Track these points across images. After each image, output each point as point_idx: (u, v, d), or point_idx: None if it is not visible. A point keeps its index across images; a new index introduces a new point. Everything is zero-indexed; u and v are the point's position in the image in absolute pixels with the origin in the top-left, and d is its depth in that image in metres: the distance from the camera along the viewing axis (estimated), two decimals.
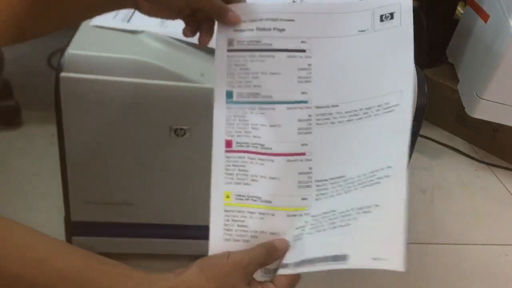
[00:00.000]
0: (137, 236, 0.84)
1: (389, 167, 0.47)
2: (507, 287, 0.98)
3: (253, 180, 0.51)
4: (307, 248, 0.47)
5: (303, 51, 0.52)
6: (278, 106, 0.52)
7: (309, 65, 0.52)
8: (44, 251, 0.41)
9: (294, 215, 0.50)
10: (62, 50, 0.66)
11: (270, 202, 0.50)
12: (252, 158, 0.51)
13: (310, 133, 0.51)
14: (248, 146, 0.51)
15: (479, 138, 1.41)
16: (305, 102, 0.52)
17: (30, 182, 1.04)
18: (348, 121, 0.51)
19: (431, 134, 1.42)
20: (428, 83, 0.71)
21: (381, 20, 0.51)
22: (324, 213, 0.48)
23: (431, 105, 0.74)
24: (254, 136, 0.51)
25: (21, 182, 1.04)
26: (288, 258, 0.48)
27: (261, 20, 0.53)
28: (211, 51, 0.73)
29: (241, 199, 0.50)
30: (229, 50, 0.53)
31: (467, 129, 1.42)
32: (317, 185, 0.51)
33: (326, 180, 0.51)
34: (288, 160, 0.51)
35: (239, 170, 0.51)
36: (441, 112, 1.44)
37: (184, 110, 0.70)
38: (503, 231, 1.13)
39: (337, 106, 0.51)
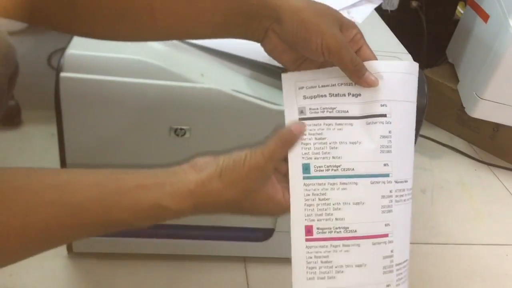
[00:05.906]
0: (137, 236, 0.84)
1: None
2: (507, 287, 0.98)
3: (338, 272, 0.46)
4: None
5: (384, 115, 0.48)
6: (361, 181, 0.47)
7: (389, 132, 0.47)
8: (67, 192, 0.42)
9: None
10: (62, 50, 0.66)
11: None
12: (336, 246, 0.46)
13: (391, 211, 0.47)
14: (330, 232, 0.46)
15: (479, 138, 1.41)
16: (387, 175, 0.47)
17: None
18: (408, 200, 0.48)
19: (431, 134, 1.42)
20: (428, 83, 0.71)
21: None
22: None
23: (431, 105, 0.74)
24: (337, 219, 0.46)
25: None
26: None
27: (333, 85, 0.49)
28: (211, 51, 0.73)
29: None
30: (301, 119, 0.48)
31: (467, 129, 1.42)
32: (397, 269, 0.46)
33: (402, 263, 0.47)
34: (374, 243, 0.46)
35: (322, 262, 0.46)
36: (441, 112, 1.44)
37: (184, 110, 0.69)
38: (503, 231, 1.12)
39: (407, 182, 0.48)
